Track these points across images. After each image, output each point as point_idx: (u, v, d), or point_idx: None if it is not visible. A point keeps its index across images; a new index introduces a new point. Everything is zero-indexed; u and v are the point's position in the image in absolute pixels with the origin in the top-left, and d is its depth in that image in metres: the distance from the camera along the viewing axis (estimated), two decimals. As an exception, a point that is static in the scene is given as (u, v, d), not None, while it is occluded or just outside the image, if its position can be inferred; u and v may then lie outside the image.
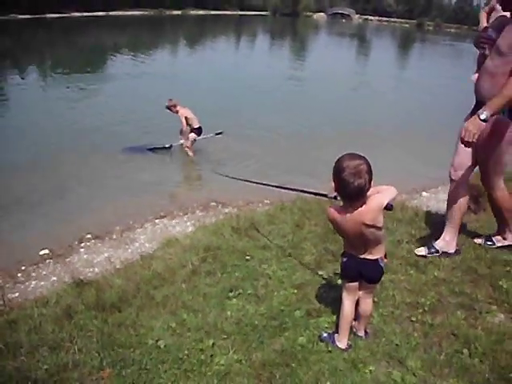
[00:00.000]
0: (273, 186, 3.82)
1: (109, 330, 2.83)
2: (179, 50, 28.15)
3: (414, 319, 3.00)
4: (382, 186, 2.46)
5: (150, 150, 8.41)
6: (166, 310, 3.09)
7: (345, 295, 2.70)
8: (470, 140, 3.02)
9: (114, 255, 4.73)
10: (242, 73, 18.09)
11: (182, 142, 8.45)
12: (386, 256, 2.61)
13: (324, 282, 3.36)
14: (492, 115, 3.01)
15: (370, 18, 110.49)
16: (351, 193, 2.31)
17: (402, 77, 21.06)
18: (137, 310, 3.08)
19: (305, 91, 15.10)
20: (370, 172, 2.31)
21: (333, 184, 2.37)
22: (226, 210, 6.00)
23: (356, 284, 2.67)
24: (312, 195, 3.31)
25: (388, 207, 2.43)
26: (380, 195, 2.41)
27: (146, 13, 56.56)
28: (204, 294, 3.26)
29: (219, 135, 8.48)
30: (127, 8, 54.83)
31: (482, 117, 2.98)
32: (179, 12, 63.90)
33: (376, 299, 3.16)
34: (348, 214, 2.41)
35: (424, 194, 6.61)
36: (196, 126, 8.32)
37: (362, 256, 2.53)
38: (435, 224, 4.33)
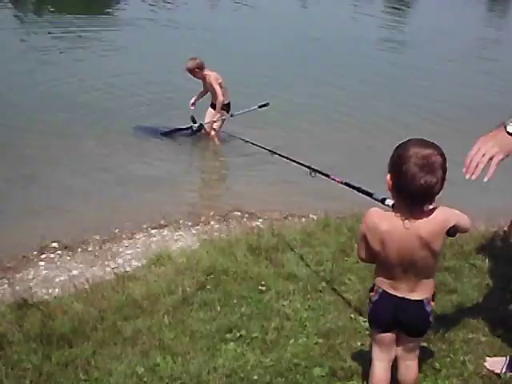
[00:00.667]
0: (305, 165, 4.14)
1: (50, 369, 3.07)
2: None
3: (491, 401, 3.07)
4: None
5: (166, 134, 8.72)
6: (136, 349, 3.30)
7: (375, 353, 2.79)
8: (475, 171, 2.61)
9: (84, 273, 4.99)
10: (310, 30, 18.21)
11: (207, 122, 8.55)
12: (434, 298, 2.69)
13: (364, 331, 3.48)
14: None
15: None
16: (415, 193, 2.34)
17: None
18: (94, 345, 3.30)
19: (404, 62, 15.10)
20: (444, 169, 2.36)
21: (388, 178, 2.44)
22: (254, 224, 6.17)
23: (392, 336, 2.73)
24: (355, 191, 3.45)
25: (451, 232, 2.52)
26: (450, 210, 2.52)
27: None
28: (192, 332, 3.46)
29: (264, 107, 8.45)
30: None
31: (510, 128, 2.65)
32: None
33: (437, 365, 3.24)
34: (401, 224, 2.43)
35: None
36: (227, 100, 8.51)
37: (401, 294, 2.59)
38: None
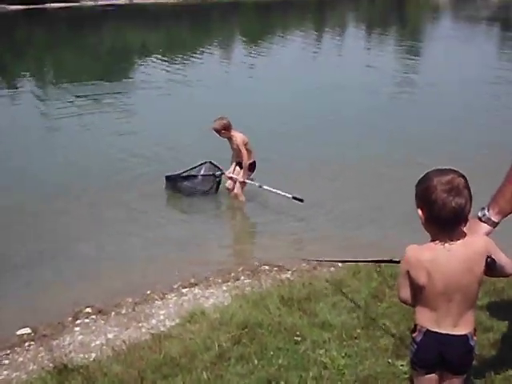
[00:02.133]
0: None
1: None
2: (234, 51, 29.44)
3: None
4: None
5: (183, 178, 8.83)
6: (176, 406, 3.34)
7: None
8: None
9: (120, 336, 5.07)
10: (324, 81, 18.50)
11: (233, 176, 8.62)
12: (475, 332, 2.71)
13: (403, 376, 3.49)
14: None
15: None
16: (449, 217, 2.45)
17: None
18: (137, 406, 3.36)
19: (421, 105, 15.26)
20: (469, 188, 2.50)
21: (420, 213, 2.54)
22: (283, 276, 6.22)
23: (435, 377, 2.73)
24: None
25: (490, 265, 2.58)
26: (491, 240, 2.63)
27: (184, 0, 59.09)
28: (231, 386, 3.50)
29: (297, 202, 7.97)
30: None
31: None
32: (232, -3, 66.52)
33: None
34: (443, 249, 2.51)
35: None
36: (252, 160, 8.56)
37: (446, 331, 2.61)
38: None
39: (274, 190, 8.16)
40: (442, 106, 14.66)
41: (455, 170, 2.53)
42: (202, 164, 8.85)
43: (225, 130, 8.27)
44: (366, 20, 46.46)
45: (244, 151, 8.30)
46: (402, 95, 16.50)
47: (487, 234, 2.83)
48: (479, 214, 2.83)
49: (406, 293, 2.68)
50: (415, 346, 2.71)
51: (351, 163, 10.06)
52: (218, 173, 8.74)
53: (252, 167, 8.52)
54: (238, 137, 8.29)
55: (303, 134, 11.84)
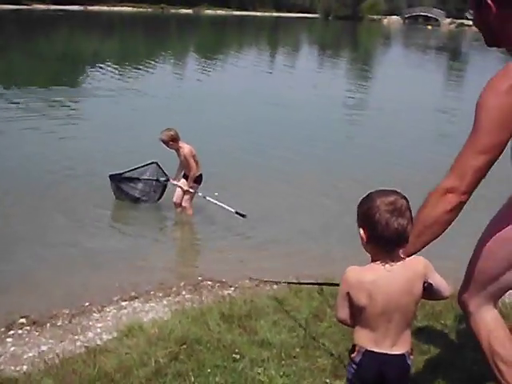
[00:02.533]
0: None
1: None
2: (187, 63, 29.48)
3: None
4: None
5: (128, 180, 8.75)
6: (109, 424, 3.25)
7: None
8: None
9: (54, 349, 4.92)
10: (275, 100, 18.73)
11: (179, 184, 8.49)
12: (412, 351, 2.73)
13: (340, 396, 3.48)
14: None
15: (468, 22, 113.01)
16: (391, 237, 2.47)
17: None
18: (66, 421, 3.25)
19: (366, 126, 15.56)
20: (410, 210, 2.53)
21: (361, 233, 2.55)
22: (225, 293, 6.18)
23: (372, 397, 2.74)
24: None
25: (427, 288, 2.62)
26: (429, 263, 2.65)
27: (142, 10, 58.44)
28: (166, 404, 3.42)
29: (240, 216, 8.02)
30: (115, 2, 56.43)
31: None
32: (189, 11, 66.52)
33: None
34: (383, 270, 2.53)
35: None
36: (199, 172, 8.47)
37: (384, 350, 2.62)
38: None
39: (218, 203, 8.21)
40: (386, 130, 14.98)
41: (398, 192, 2.56)
42: (148, 164, 8.80)
43: (172, 142, 8.21)
44: (319, 42, 47.22)
45: (192, 162, 8.24)
46: (350, 117, 16.82)
47: None
48: None
49: (344, 313, 2.67)
50: (354, 367, 2.69)
51: (299, 179, 10.18)
52: (163, 179, 8.67)
53: (199, 180, 8.44)
54: (186, 148, 8.23)
55: (251, 150, 11.95)
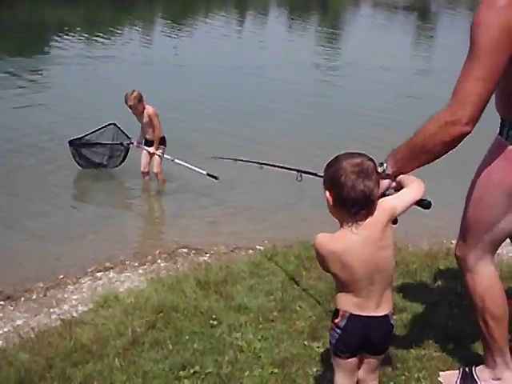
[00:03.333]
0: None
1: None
2: (155, 29, 29.04)
3: (446, 414, 3.11)
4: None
5: (89, 145, 8.53)
6: (87, 395, 3.22)
7: (340, 381, 2.73)
8: None
9: (30, 322, 4.88)
10: (244, 63, 18.60)
11: (145, 148, 8.34)
12: (393, 311, 2.75)
13: (319, 357, 3.49)
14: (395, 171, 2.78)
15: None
16: (358, 199, 2.43)
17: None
18: (44, 395, 3.22)
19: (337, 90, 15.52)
20: (377, 172, 2.51)
21: (327, 195, 2.51)
22: (201, 259, 6.17)
23: (356, 360, 2.71)
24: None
25: (423, 204, 2.69)
26: (391, 197, 2.66)
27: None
28: (145, 372, 3.40)
29: (212, 179, 7.92)
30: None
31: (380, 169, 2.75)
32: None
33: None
34: (357, 236, 2.49)
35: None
36: (162, 134, 8.36)
37: (369, 313, 2.59)
38: (503, 280, 4.44)
39: (188, 166, 8.06)
40: (359, 92, 14.97)
41: (364, 154, 2.51)
42: (106, 126, 8.54)
43: (139, 102, 8.03)
44: (288, 5, 46.76)
45: (157, 122, 8.12)
46: (323, 79, 16.78)
47: (388, 188, 2.78)
48: (378, 170, 2.70)
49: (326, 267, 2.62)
50: (339, 331, 2.63)
51: (273, 145, 10.09)
52: (126, 142, 8.47)
53: (163, 141, 8.32)
54: (150, 108, 8.12)
55: (221, 117, 11.80)
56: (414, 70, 18.63)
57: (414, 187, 2.68)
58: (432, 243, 5.59)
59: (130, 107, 8.04)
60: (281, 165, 4.06)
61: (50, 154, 9.28)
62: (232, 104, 12.98)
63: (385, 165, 2.76)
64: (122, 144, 8.51)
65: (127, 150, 8.56)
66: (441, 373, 3.38)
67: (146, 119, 8.14)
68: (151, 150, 8.20)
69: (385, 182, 2.75)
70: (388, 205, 2.57)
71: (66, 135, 8.97)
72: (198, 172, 7.95)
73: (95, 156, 8.64)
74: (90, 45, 21.32)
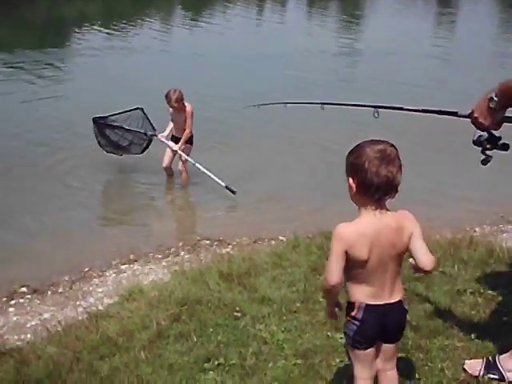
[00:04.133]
0: None
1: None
2: (174, 20, 29.04)
3: (471, 405, 3.12)
4: None
5: (113, 127, 8.43)
6: (114, 387, 3.28)
7: (359, 372, 2.74)
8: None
9: (56, 316, 4.96)
10: (266, 51, 18.51)
11: (169, 144, 8.15)
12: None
13: (342, 348, 3.51)
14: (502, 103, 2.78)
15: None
16: (382, 185, 2.44)
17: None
18: (72, 388, 3.28)
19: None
20: (399, 158, 2.50)
21: (350, 182, 2.52)
22: (224, 251, 6.20)
23: (374, 351, 2.73)
24: None
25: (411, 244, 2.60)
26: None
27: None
28: (170, 365, 3.46)
29: (230, 193, 7.64)
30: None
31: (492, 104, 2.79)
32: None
33: (416, 374, 3.29)
34: (375, 219, 2.51)
35: (518, 224, 6.70)
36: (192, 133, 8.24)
37: (384, 301, 2.61)
38: None
39: (209, 174, 7.86)
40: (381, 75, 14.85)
41: (387, 141, 2.53)
42: (133, 110, 8.38)
43: (182, 101, 7.86)
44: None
45: (192, 121, 7.97)
46: (345, 65, 16.71)
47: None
48: (490, 105, 2.77)
49: (339, 276, 2.58)
50: (357, 323, 2.64)
51: (294, 133, 10.07)
52: (150, 133, 8.31)
53: (190, 140, 8.18)
54: (189, 106, 7.95)
55: (241, 106, 11.73)
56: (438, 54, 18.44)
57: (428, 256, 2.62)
58: (455, 231, 5.57)
59: (172, 107, 7.86)
60: (355, 103, 3.83)
61: (71, 148, 9.33)
62: (250, 93, 12.94)
63: (494, 96, 2.77)
64: (145, 134, 8.34)
65: (150, 141, 8.40)
66: (466, 361, 3.39)
67: (182, 117, 7.99)
68: (175, 147, 8.05)
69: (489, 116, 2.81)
70: (417, 225, 2.59)
71: (86, 129, 8.97)
72: (217, 183, 7.74)
73: (118, 138, 8.53)
74: (109, 37, 21.43)
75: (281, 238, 6.31)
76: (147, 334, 3.81)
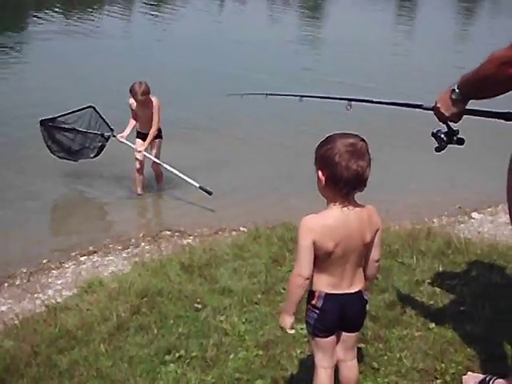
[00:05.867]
0: None
1: (-15, 411, 2.99)
2: (135, 5, 28.77)
3: (428, 394, 3.17)
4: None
5: (63, 129, 7.71)
6: (73, 381, 3.26)
7: (320, 360, 2.78)
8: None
9: (14, 308, 4.88)
10: (228, 41, 18.50)
11: (138, 148, 7.44)
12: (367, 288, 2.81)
13: (302, 339, 3.53)
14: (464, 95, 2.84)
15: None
16: (351, 179, 2.46)
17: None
18: (30, 382, 3.24)
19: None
20: (369, 153, 2.52)
21: (320, 174, 2.53)
22: (184, 242, 6.19)
23: (334, 339, 2.77)
24: None
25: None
26: None
27: None
28: (130, 357, 3.44)
29: (205, 192, 7.27)
30: None
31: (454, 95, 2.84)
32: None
33: (375, 364, 3.33)
34: (341, 213, 2.54)
35: (475, 215, 6.82)
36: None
37: (344, 291, 2.65)
38: (483, 259, 4.57)
39: (181, 175, 7.45)
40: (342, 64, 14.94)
41: (357, 135, 2.54)
42: (83, 108, 7.67)
43: (148, 94, 7.20)
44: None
45: (159, 116, 7.35)
46: (307, 53, 16.77)
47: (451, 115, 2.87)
48: (452, 96, 2.82)
49: (311, 269, 2.60)
50: (317, 312, 2.68)
51: (257, 125, 10.06)
52: (108, 134, 7.63)
53: (159, 134, 7.55)
54: (155, 100, 7.31)
55: (203, 94, 11.71)
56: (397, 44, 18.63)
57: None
58: (414, 222, 5.66)
59: (138, 101, 7.20)
60: (331, 95, 3.74)
61: (29, 133, 8.67)
62: (217, 81, 12.91)
63: (456, 88, 2.81)
64: (102, 135, 7.68)
65: (106, 141, 7.72)
66: (469, 372, 3.29)
67: (148, 111, 7.34)
68: (141, 147, 7.40)
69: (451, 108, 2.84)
70: (379, 224, 2.65)
71: (39, 113, 8.63)
72: (191, 184, 7.36)
73: (69, 142, 7.83)
74: (68, 21, 21.17)
75: (242, 229, 6.31)
76: (107, 326, 3.79)
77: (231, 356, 3.41)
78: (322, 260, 2.59)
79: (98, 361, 3.42)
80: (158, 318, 3.84)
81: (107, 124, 7.74)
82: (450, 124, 2.95)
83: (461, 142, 2.97)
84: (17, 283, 5.46)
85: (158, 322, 3.79)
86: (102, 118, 7.75)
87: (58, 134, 7.78)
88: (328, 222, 2.54)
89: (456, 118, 2.89)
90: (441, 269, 4.42)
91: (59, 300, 4.79)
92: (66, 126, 7.74)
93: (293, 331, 2.73)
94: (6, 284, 5.44)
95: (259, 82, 11.71)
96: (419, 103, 3.11)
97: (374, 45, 17.90)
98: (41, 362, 3.43)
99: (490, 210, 6.90)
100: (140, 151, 7.40)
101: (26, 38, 18.00)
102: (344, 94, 3.58)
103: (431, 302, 3.98)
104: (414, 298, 4.02)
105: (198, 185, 7.37)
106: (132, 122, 7.52)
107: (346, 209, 2.54)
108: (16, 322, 4.19)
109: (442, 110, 2.87)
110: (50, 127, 7.72)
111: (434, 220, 6.43)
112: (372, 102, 3.45)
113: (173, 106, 9.31)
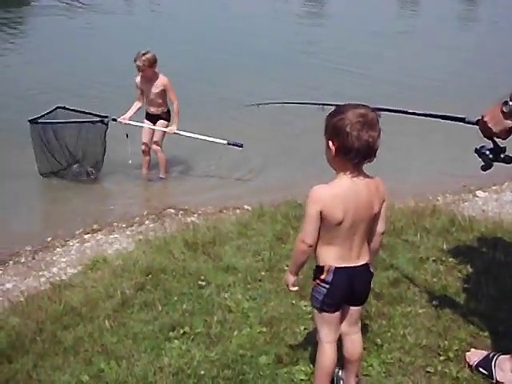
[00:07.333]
0: None
1: (-8, 387, 3.01)
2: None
3: (431, 370, 3.17)
4: None
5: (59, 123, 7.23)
6: (78, 357, 3.28)
7: (325, 335, 2.78)
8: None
9: (19, 286, 4.91)
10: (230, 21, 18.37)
11: (167, 130, 7.20)
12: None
13: (306, 316, 3.54)
14: None
15: None
16: (362, 149, 2.46)
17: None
18: (35, 358, 3.26)
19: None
20: (379, 123, 2.51)
21: (330, 145, 2.51)
22: (189, 220, 6.18)
23: (339, 314, 2.77)
24: None
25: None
26: None
27: None
28: (134, 334, 3.46)
29: (237, 147, 7.14)
30: None
31: (506, 109, 2.64)
32: None
33: (379, 340, 3.34)
34: (352, 183, 2.54)
35: (480, 193, 6.80)
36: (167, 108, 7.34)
37: (352, 263, 2.65)
38: (487, 237, 4.56)
39: (204, 138, 7.19)
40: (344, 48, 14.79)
41: (368, 106, 2.54)
42: (51, 111, 7.27)
43: (150, 67, 6.83)
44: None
45: (174, 92, 7.03)
46: (308, 36, 16.55)
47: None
48: (504, 109, 2.63)
49: (315, 237, 2.62)
50: (327, 286, 2.67)
51: (260, 107, 9.94)
52: (107, 118, 7.11)
53: (168, 115, 7.26)
54: (165, 78, 7.01)
55: (212, 75, 11.64)
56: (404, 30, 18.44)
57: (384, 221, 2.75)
58: (418, 200, 5.64)
59: (138, 68, 6.87)
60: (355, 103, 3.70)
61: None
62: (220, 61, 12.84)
63: (509, 100, 2.63)
64: (102, 121, 7.11)
65: (106, 125, 7.11)
66: (472, 349, 3.30)
67: (156, 89, 7.04)
68: (172, 131, 7.14)
69: (507, 123, 2.67)
70: (385, 195, 2.65)
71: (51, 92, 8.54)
72: (217, 142, 7.13)
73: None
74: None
75: (246, 207, 6.30)
76: (111, 303, 3.81)
77: (235, 333, 3.43)
78: (330, 231, 2.59)
79: (103, 337, 3.44)
80: (162, 295, 3.86)
81: (95, 114, 7.24)
82: (497, 140, 2.79)
83: (509, 160, 2.79)
84: (22, 261, 5.48)
85: (163, 299, 3.81)
86: (82, 112, 7.28)
87: (53, 132, 7.31)
88: (337, 191, 2.55)
89: (504, 134, 2.72)
90: (445, 246, 4.41)
91: (64, 277, 4.82)
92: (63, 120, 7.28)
93: (295, 288, 2.82)
94: (11, 262, 5.47)
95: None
96: (462, 116, 2.98)
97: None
98: (46, 338, 3.45)
99: (494, 188, 6.87)
100: (175, 132, 7.13)
101: (27, 14, 17.92)
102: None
103: (435, 280, 3.98)
104: (418, 276, 4.03)
105: (225, 141, 7.19)
106: (136, 105, 7.24)
107: (355, 179, 2.55)
108: (21, 299, 4.24)
109: (489, 125, 2.71)
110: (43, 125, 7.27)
111: (439, 198, 6.41)
112: (407, 112, 3.33)
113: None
